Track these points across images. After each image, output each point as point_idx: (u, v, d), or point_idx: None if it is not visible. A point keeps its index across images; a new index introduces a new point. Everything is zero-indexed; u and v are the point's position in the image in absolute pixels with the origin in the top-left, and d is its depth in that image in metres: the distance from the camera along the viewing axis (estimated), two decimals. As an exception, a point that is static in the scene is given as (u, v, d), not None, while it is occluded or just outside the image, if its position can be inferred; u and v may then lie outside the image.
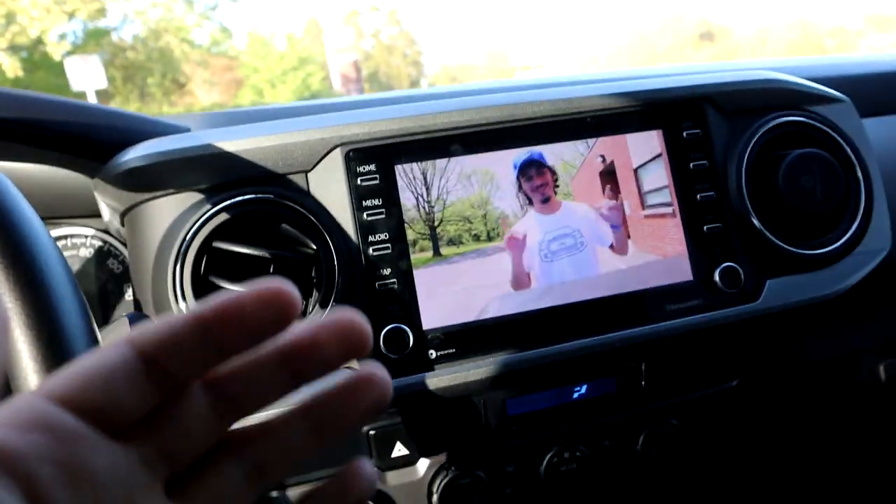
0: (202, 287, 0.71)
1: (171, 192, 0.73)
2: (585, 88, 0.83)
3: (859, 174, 0.88)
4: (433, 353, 0.75)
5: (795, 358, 1.05)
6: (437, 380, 0.74)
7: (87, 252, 0.98)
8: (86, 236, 0.98)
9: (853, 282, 0.86)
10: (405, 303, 0.75)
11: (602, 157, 0.81)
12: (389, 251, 0.75)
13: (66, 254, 0.96)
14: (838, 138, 0.88)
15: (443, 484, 0.83)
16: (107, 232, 0.97)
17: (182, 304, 0.70)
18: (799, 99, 0.89)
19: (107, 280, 0.98)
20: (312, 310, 0.72)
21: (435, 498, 0.84)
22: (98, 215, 0.89)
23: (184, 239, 0.71)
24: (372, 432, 0.81)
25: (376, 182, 0.76)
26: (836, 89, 0.93)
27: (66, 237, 0.97)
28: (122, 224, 0.79)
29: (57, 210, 0.94)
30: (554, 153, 0.80)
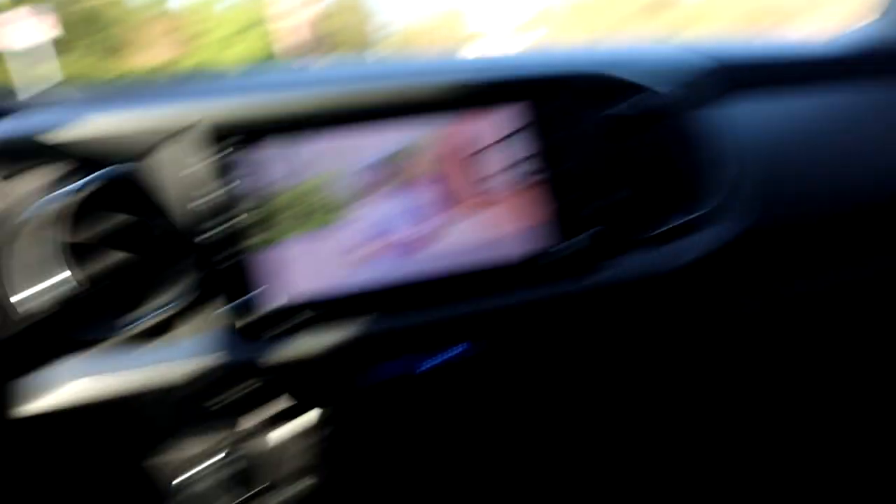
0: None
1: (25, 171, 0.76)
2: (441, 65, 0.88)
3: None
4: (289, 324, 0.80)
5: None
6: (292, 349, 0.80)
7: None
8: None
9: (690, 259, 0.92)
10: (246, 280, 0.79)
11: (454, 135, 0.85)
12: (233, 231, 0.78)
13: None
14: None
15: None
16: None
17: None
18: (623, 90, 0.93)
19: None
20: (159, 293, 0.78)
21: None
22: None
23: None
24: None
25: (224, 162, 0.79)
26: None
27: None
28: None
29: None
30: (403, 133, 0.84)
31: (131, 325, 0.76)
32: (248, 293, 0.78)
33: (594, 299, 0.90)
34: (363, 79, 0.86)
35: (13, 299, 0.73)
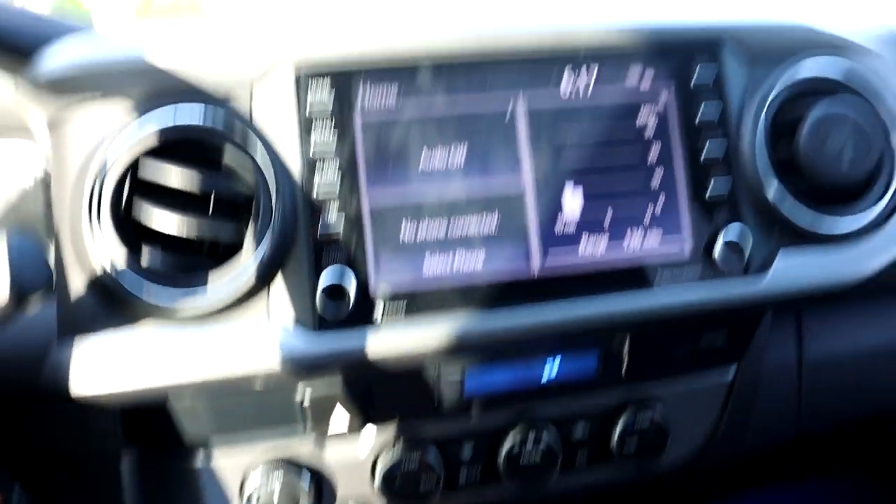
0: (125, 220, 0.63)
1: (97, 103, 0.64)
2: (582, 21, 0.72)
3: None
4: (379, 314, 0.65)
5: (801, 352, 0.93)
6: (380, 345, 0.65)
7: (28, 176, 0.89)
8: (29, 157, 0.89)
9: (879, 265, 0.75)
10: (351, 252, 0.65)
11: (598, 103, 0.70)
12: (338, 191, 0.65)
13: (4, 176, 0.88)
14: (874, 96, 0.76)
15: (387, 465, 0.74)
16: None
17: (98, 234, 0.61)
18: (832, 48, 0.77)
19: (50, 207, 0.89)
20: (245, 250, 0.63)
21: (377, 481, 0.74)
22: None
23: (105, 161, 0.62)
24: (307, 401, 0.71)
25: (330, 110, 0.66)
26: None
27: (4, 157, 0.88)
28: None
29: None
30: (537, 98, 0.70)
31: (200, 297, 0.63)
32: (334, 277, 0.64)
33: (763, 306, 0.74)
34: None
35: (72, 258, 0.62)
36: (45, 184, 0.89)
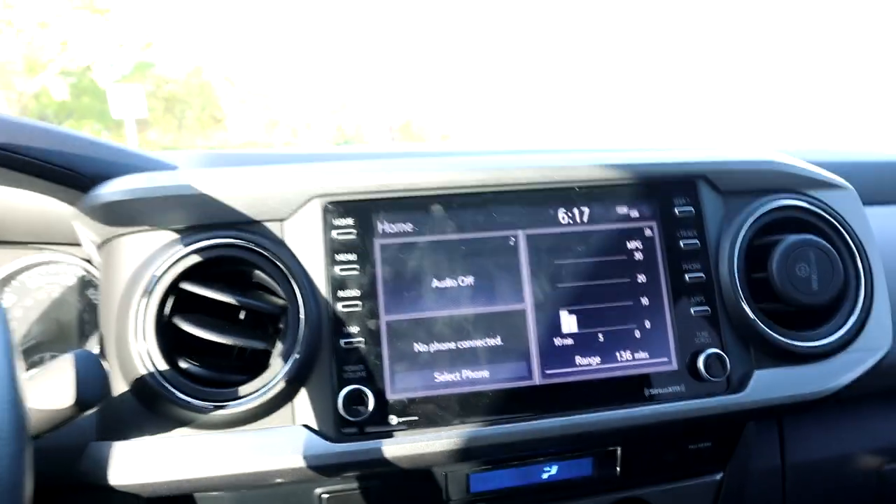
0: (166, 328, 0.70)
1: (147, 229, 0.73)
2: (576, 157, 0.81)
3: (860, 265, 0.84)
4: (394, 420, 0.72)
5: (784, 456, 0.99)
6: (396, 448, 0.71)
7: (67, 280, 0.97)
8: (68, 264, 0.97)
9: (848, 380, 0.82)
10: (369, 364, 0.72)
11: (591, 232, 0.79)
12: (359, 308, 0.73)
13: (46, 280, 0.96)
14: (838, 226, 0.85)
15: None
16: (90, 261, 0.97)
17: (142, 344, 0.69)
18: (799, 183, 0.87)
19: (84, 310, 0.97)
20: (274, 362, 0.70)
21: None
22: (82, 244, 0.89)
23: (152, 277, 0.70)
24: (325, 496, 0.77)
25: (353, 236, 0.74)
26: (838, 175, 0.90)
27: (47, 263, 0.96)
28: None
29: (41, 235, 0.93)
30: (536, 228, 0.78)
31: (233, 407, 0.70)
32: (354, 385, 0.71)
33: (744, 417, 0.80)
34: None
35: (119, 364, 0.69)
36: (83, 292, 0.97)
